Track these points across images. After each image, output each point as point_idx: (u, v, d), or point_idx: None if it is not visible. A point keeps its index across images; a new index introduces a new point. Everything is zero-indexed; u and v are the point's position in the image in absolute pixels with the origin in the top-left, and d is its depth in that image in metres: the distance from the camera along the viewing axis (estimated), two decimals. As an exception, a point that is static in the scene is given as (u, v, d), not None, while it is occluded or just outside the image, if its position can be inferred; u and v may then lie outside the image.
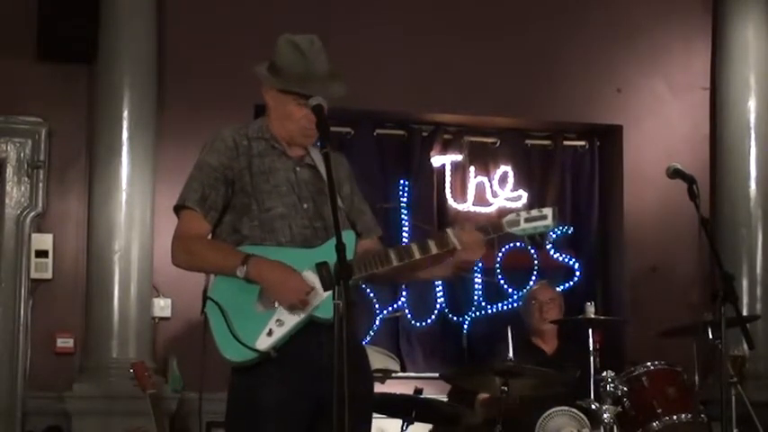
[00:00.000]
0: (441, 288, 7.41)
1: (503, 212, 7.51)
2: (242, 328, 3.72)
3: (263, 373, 3.72)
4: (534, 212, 3.95)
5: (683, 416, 5.55)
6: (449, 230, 3.88)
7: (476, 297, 7.47)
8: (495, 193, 7.55)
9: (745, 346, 5.21)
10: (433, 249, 3.86)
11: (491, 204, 7.54)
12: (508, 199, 7.56)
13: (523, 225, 3.94)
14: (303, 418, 3.75)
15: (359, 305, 3.58)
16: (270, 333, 3.71)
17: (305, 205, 3.88)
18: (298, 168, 3.93)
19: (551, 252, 7.47)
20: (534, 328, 6.50)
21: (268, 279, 3.73)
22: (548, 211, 3.95)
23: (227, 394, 3.83)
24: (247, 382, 3.75)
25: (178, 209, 3.92)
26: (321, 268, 3.72)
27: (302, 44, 3.88)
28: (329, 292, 3.70)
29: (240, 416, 3.78)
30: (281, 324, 3.72)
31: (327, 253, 3.72)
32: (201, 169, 3.88)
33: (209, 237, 3.93)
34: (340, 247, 3.46)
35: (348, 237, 3.68)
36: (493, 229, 3.95)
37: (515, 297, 7.45)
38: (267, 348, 3.70)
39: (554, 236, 4.09)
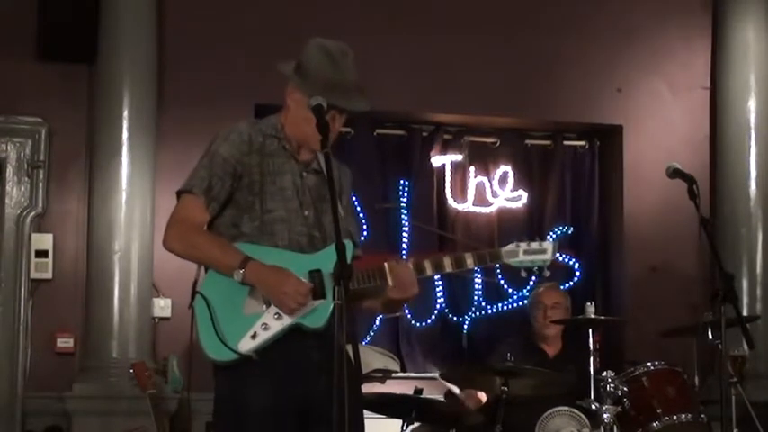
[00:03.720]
0: (441, 288, 7.41)
1: (503, 213, 7.53)
2: (227, 327, 3.70)
3: (248, 374, 3.71)
4: (534, 245, 3.92)
5: (683, 416, 5.54)
6: (387, 264, 3.82)
7: (476, 297, 7.47)
8: (495, 193, 7.55)
9: (745, 346, 5.21)
10: (367, 281, 3.79)
11: (491, 205, 7.54)
12: (508, 199, 7.56)
13: (522, 257, 3.92)
14: (289, 421, 3.73)
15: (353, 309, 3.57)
16: (254, 336, 3.69)
17: (306, 212, 3.85)
18: (304, 173, 3.89)
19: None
20: (537, 332, 6.49)
21: (266, 283, 3.70)
22: (548, 245, 3.94)
23: (214, 393, 3.82)
24: (233, 382, 3.74)
25: (180, 193, 3.88)
26: (314, 276, 3.72)
27: (334, 51, 3.85)
28: (319, 302, 3.70)
29: (227, 416, 3.77)
30: (266, 328, 3.70)
31: (323, 260, 3.73)
32: (212, 159, 3.83)
33: (205, 228, 3.89)
34: (340, 248, 3.45)
35: (345, 244, 3.63)
36: (491, 257, 3.92)
37: (515, 297, 7.45)
38: (249, 351, 3.68)
39: (548, 272, 4.05)
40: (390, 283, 3.79)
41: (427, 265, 3.85)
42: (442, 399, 6.33)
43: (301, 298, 3.68)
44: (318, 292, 3.71)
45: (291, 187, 3.86)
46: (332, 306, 3.55)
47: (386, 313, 6.73)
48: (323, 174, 3.85)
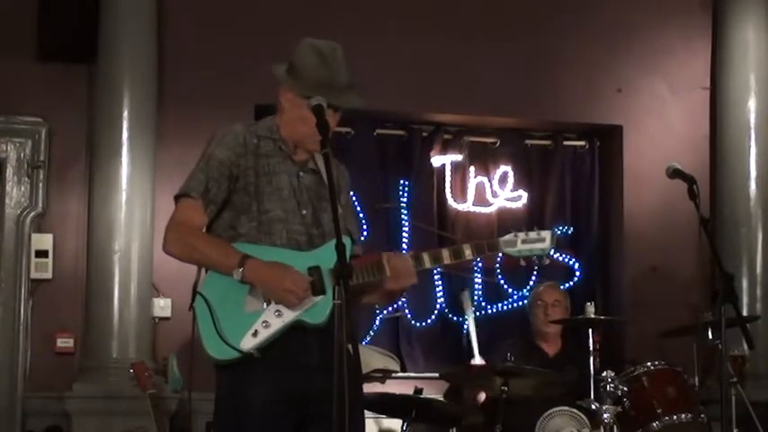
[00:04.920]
0: (441, 288, 7.41)
1: (502, 213, 7.53)
2: (228, 326, 3.72)
3: (249, 372, 3.73)
4: (532, 235, 3.94)
5: (683, 416, 5.55)
6: (384, 255, 3.84)
7: (476, 297, 7.46)
8: (495, 193, 7.55)
9: (745, 346, 5.22)
10: (367, 276, 3.82)
11: (491, 204, 7.54)
12: (508, 199, 7.56)
13: (520, 246, 3.93)
14: (289, 419, 3.75)
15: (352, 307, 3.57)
16: (255, 334, 3.71)
17: (303, 211, 3.87)
18: (301, 173, 3.91)
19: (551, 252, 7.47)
20: (537, 330, 6.49)
21: (265, 279, 3.73)
22: (546, 234, 3.94)
23: (215, 392, 3.84)
24: (234, 380, 3.76)
25: (178, 197, 3.91)
26: (313, 272, 3.73)
27: (325, 50, 3.87)
28: (318, 298, 3.72)
29: (227, 414, 3.79)
30: (267, 326, 3.72)
31: (321, 256, 3.75)
32: (208, 162, 3.87)
33: (204, 230, 3.91)
34: (340, 248, 3.46)
35: (345, 242, 3.62)
36: (489, 248, 3.95)
37: (515, 297, 7.45)
38: (250, 349, 3.70)
39: (550, 256, 4.06)
40: (387, 273, 3.81)
41: (426, 257, 3.88)
42: (443, 398, 6.35)
43: (302, 292, 3.71)
44: (318, 288, 3.72)
45: (288, 187, 3.88)
46: (332, 303, 3.55)
47: (383, 305, 6.75)
48: (320, 173, 3.88)
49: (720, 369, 5.03)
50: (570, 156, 7.77)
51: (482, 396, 6.16)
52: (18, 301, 6.70)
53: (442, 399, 6.46)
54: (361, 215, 7.09)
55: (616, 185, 7.66)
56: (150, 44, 6.77)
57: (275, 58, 4.04)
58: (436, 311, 7.40)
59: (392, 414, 5.87)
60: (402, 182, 7.44)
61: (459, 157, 7.53)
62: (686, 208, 4.90)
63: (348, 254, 3.69)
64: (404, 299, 7.25)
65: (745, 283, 7.30)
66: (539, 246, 3.94)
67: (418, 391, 5.89)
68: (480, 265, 7.41)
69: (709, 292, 5.33)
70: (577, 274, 7.57)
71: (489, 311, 7.46)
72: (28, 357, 6.68)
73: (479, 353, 6.76)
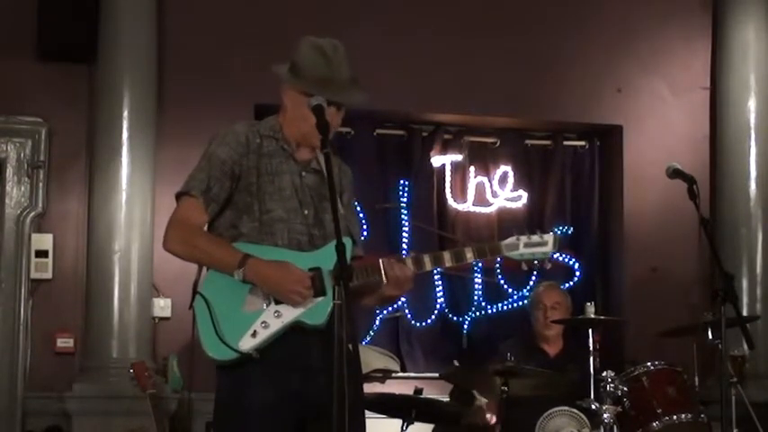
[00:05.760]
0: (441, 288, 7.41)
1: (502, 213, 7.53)
2: (227, 326, 3.71)
3: (249, 372, 3.72)
4: (535, 238, 3.92)
5: (683, 416, 5.55)
6: (382, 261, 3.83)
7: (476, 297, 7.47)
8: (495, 193, 7.55)
9: (745, 346, 5.22)
10: (365, 277, 3.81)
11: (491, 204, 7.54)
12: (508, 199, 7.56)
13: (522, 250, 3.92)
14: (290, 420, 3.75)
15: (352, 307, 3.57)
16: (254, 335, 3.71)
17: (305, 211, 3.87)
18: (303, 173, 3.91)
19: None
20: (538, 332, 6.49)
21: (267, 278, 3.72)
22: (548, 238, 3.93)
23: (215, 392, 3.84)
24: (234, 381, 3.75)
25: (180, 195, 3.90)
26: (313, 274, 3.73)
27: (326, 48, 3.86)
28: (319, 299, 3.72)
29: (227, 415, 3.79)
30: (266, 326, 3.72)
31: (322, 257, 3.74)
32: (210, 161, 3.86)
33: (204, 229, 3.91)
34: (340, 248, 3.46)
35: (345, 243, 3.62)
36: (491, 251, 3.93)
37: (515, 297, 7.45)
38: (249, 350, 3.70)
39: (552, 259, 4.04)
40: (384, 280, 3.80)
41: (427, 259, 3.87)
42: (444, 398, 6.34)
43: (305, 290, 3.70)
44: (318, 290, 3.72)
45: (290, 187, 3.87)
46: (332, 304, 3.55)
47: (381, 306, 6.75)
48: (322, 173, 3.86)
49: (720, 369, 5.03)
50: (570, 156, 7.78)
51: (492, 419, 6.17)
52: (18, 301, 6.70)
53: (446, 398, 6.46)
54: (361, 215, 7.09)
55: (616, 185, 7.67)
56: (150, 44, 6.77)
57: (275, 57, 4.03)
58: (436, 311, 7.40)
59: (392, 414, 5.86)
60: (402, 182, 7.45)
61: (459, 157, 7.53)
62: (686, 208, 4.90)
63: (349, 254, 3.69)
64: (404, 299, 7.26)
65: (745, 283, 7.30)
66: (541, 249, 3.93)
67: (418, 391, 5.88)
68: (480, 265, 7.41)
69: (709, 292, 5.31)
70: (577, 274, 7.58)
71: (489, 311, 7.47)
72: (28, 357, 6.68)
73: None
